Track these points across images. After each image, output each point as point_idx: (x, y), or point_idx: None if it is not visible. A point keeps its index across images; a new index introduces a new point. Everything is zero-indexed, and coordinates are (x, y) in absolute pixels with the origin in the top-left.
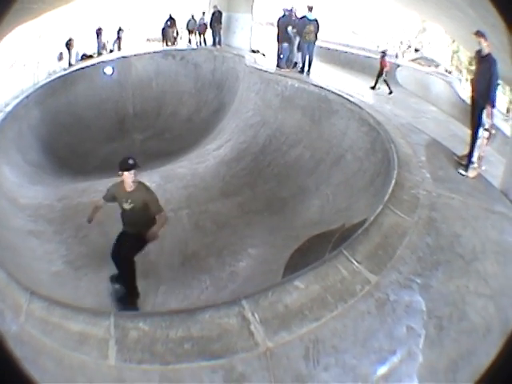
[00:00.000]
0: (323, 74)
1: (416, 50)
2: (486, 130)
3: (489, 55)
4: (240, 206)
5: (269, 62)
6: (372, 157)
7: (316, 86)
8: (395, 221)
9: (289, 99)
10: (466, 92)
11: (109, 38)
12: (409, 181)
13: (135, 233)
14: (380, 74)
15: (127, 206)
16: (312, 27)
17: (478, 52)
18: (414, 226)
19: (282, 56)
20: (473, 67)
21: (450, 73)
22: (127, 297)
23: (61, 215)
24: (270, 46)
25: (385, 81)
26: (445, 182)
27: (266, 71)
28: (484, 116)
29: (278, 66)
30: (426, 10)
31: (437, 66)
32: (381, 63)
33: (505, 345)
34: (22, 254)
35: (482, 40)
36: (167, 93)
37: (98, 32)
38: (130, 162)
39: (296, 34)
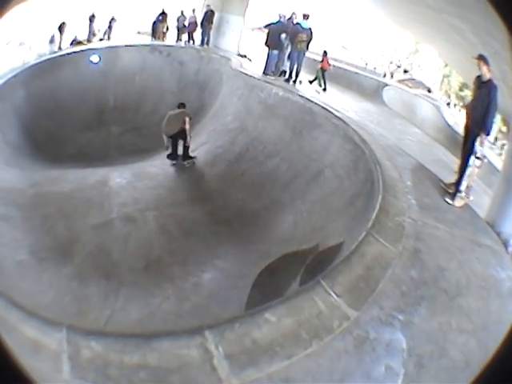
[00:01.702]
0: (309, 86)
1: (405, 71)
2: (477, 158)
3: (490, 81)
4: (209, 214)
5: (255, 68)
6: (354, 176)
7: (301, 96)
8: (379, 250)
9: (271, 108)
10: (453, 118)
11: (100, 26)
12: (394, 207)
13: None
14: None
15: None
16: (305, 36)
17: (479, 77)
18: (398, 257)
19: (269, 62)
20: (463, 93)
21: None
22: None
23: (31, 202)
24: (257, 52)
25: (323, 79)
26: (431, 211)
27: (251, 76)
28: (477, 144)
29: (264, 72)
30: (421, 32)
31: (429, 90)
32: (322, 62)
33: (502, 344)
34: None
35: (482, 64)
36: (149, 88)
37: (91, 19)
38: None
39: (288, 41)
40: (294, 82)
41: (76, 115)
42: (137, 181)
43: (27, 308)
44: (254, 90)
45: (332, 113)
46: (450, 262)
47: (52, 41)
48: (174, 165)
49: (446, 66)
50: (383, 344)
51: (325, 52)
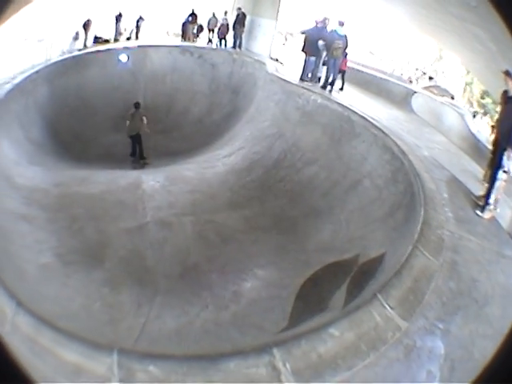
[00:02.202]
0: (344, 93)
1: (430, 78)
2: (505, 172)
3: None
4: (247, 220)
5: (289, 73)
6: (392, 187)
7: (340, 104)
8: (424, 263)
9: (309, 114)
10: (476, 126)
11: (127, 25)
12: (435, 220)
13: None
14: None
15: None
16: (341, 43)
17: (505, 92)
18: (439, 269)
19: (306, 69)
20: (484, 101)
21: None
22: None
23: (56, 202)
24: (289, 56)
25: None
26: (465, 223)
27: (288, 82)
28: (505, 158)
29: (301, 78)
30: (445, 39)
31: (452, 97)
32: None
33: (503, 344)
34: (10, 239)
35: (508, 79)
36: (180, 90)
37: (118, 17)
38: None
39: (324, 47)
40: (331, 89)
41: (104, 115)
42: (171, 184)
43: (67, 330)
44: (292, 96)
45: (371, 122)
46: (481, 274)
47: (76, 38)
48: (132, 162)
49: (468, 73)
50: (426, 351)
51: (345, 54)
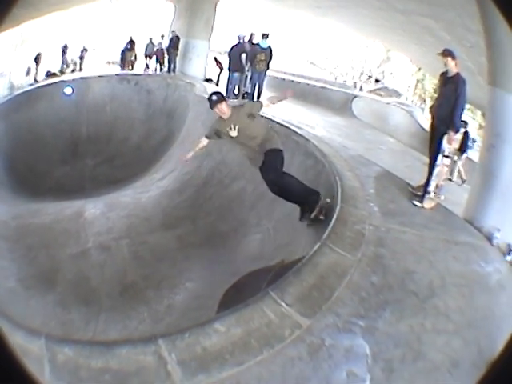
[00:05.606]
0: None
1: (377, 81)
2: (446, 156)
3: (457, 75)
4: (179, 239)
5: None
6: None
7: (262, 117)
8: (334, 260)
9: None
10: (427, 121)
11: (73, 56)
12: (353, 216)
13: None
14: None
15: (234, 133)
16: (263, 56)
17: (444, 74)
18: (356, 264)
19: (230, 85)
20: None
21: (409, 101)
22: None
23: (14, 233)
24: (224, 75)
25: None
26: (396, 216)
27: None
28: (444, 142)
29: (226, 95)
30: (391, 39)
31: (398, 95)
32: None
33: (507, 345)
34: None
35: (450, 59)
36: (120, 118)
37: (64, 49)
38: (214, 97)
39: (246, 61)
40: None
41: (53, 148)
42: (109, 211)
43: (14, 320)
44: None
45: (293, 130)
46: (419, 264)
47: (28, 73)
48: None
49: (420, 70)
50: (342, 350)
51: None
